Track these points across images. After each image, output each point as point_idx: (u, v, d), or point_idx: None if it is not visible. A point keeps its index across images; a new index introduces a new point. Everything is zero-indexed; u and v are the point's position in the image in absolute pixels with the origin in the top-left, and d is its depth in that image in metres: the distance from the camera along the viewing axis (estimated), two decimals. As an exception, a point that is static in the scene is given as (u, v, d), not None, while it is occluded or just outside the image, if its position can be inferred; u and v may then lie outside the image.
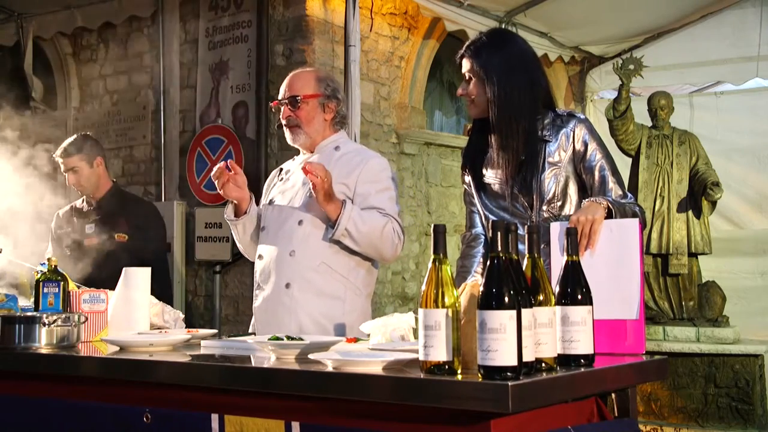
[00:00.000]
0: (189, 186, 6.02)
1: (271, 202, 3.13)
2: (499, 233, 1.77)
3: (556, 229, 2.31)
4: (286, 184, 3.13)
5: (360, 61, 5.06)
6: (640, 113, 6.06)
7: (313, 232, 2.97)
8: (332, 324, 2.91)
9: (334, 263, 2.96)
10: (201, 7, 6.11)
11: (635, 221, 2.30)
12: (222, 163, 3.02)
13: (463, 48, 2.79)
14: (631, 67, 5.96)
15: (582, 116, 2.75)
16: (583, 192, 2.70)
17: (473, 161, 2.84)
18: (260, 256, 3.09)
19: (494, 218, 2.74)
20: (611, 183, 2.64)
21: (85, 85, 6.79)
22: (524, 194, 2.70)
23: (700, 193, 5.72)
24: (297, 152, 3.23)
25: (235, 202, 3.11)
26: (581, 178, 2.70)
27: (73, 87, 6.85)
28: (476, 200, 2.84)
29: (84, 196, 4.27)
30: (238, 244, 3.26)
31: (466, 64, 2.74)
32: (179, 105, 6.20)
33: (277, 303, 2.97)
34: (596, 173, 2.66)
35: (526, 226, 1.98)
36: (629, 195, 2.66)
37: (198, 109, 6.09)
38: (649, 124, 6.04)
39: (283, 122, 3.10)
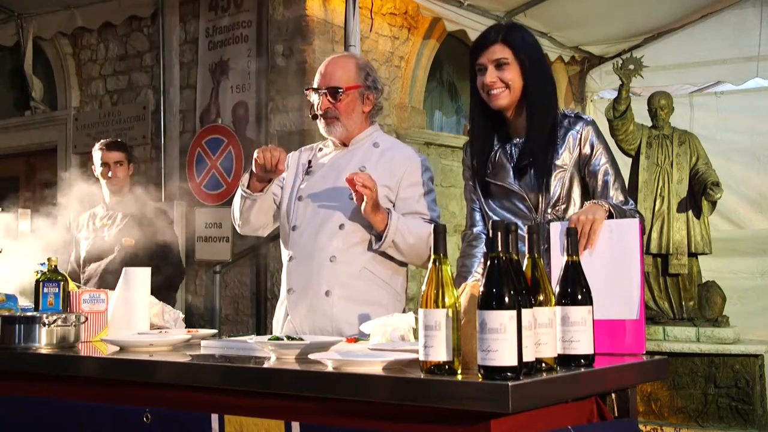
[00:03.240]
0: (189, 186, 6.02)
1: (300, 199, 2.98)
2: (499, 233, 1.77)
3: (556, 229, 2.30)
4: (316, 180, 2.97)
5: (360, 61, 5.05)
6: (640, 113, 6.05)
7: (354, 236, 2.86)
8: None
9: (375, 269, 2.88)
10: (201, 7, 6.12)
11: (635, 221, 2.29)
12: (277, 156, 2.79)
13: (492, 33, 2.68)
14: (631, 67, 5.96)
15: (589, 118, 2.73)
16: (586, 195, 2.68)
17: (478, 159, 2.78)
18: (292, 258, 2.94)
19: (496, 218, 2.73)
20: (613, 189, 2.62)
21: (85, 85, 6.80)
22: (530, 195, 2.69)
23: (700, 193, 5.72)
24: (294, 148, 3.14)
25: (254, 173, 2.87)
26: (585, 182, 2.69)
27: (73, 87, 6.85)
28: (479, 199, 2.81)
29: (102, 203, 4.40)
30: (235, 212, 3.02)
31: (499, 50, 2.64)
32: (179, 105, 6.20)
33: (317, 311, 2.85)
34: (599, 177, 2.64)
35: (526, 226, 1.97)
36: (631, 202, 2.64)
37: (198, 109, 6.09)
38: (649, 124, 6.03)
39: (319, 113, 2.94)
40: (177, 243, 4.61)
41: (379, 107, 3.02)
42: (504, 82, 2.63)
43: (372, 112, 3.00)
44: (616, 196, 2.61)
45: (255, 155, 2.82)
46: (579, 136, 2.66)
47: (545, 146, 2.65)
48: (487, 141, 2.76)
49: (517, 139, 2.72)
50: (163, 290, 4.21)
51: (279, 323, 2.99)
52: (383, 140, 3.02)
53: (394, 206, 2.90)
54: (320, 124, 2.98)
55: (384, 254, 2.87)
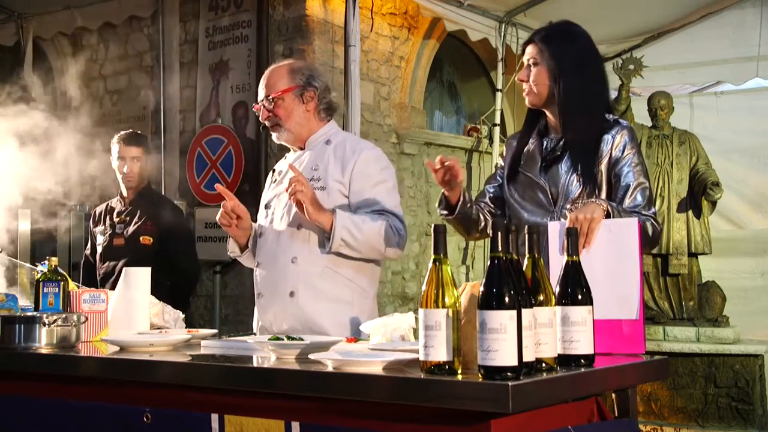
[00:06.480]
0: (189, 186, 6.02)
1: (267, 206, 3.04)
2: (499, 233, 1.77)
3: (555, 228, 2.30)
4: (280, 186, 3.01)
5: (360, 61, 5.05)
6: (640, 113, 6.06)
7: (313, 236, 2.87)
8: (342, 329, 2.81)
9: (338, 267, 2.88)
10: (201, 7, 6.12)
11: (634, 220, 2.29)
12: (227, 206, 2.93)
13: (534, 33, 2.79)
14: (631, 67, 5.97)
15: (626, 123, 2.75)
16: (611, 197, 2.67)
17: (514, 149, 2.83)
18: (259, 264, 3.01)
19: (518, 206, 2.76)
20: (631, 192, 2.61)
21: (85, 85, 6.79)
22: (552, 189, 2.70)
23: (700, 193, 5.72)
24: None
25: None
26: (611, 184, 2.68)
27: (74, 87, 6.85)
28: (505, 187, 2.83)
29: (119, 196, 4.38)
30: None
31: (531, 50, 2.73)
32: (179, 105, 6.20)
33: (284, 312, 2.89)
34: (622, 180, 2.64)
35: (526, 226, 1.98)
36: (653, 208, 2.63)
37: (198, 109, 6.09)
38: (649, 124, 6.04)
39: (267, 124, 3.00)
40: (194, 241, 4.61)
41: (326, 102, 3.01)
42: (528, 81, 2.72)
43: (320, 109, 3.00)
44: (635, 199, 2.60)
45: (219, 220, 2.97)
46: (612, 139, 2.67)
47: (584, 149, 2.68)
48: (525, 133, 2.83)
49: (553, 136, 2.77)
50: (180, 289, 4.23)
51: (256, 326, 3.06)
52: (336, 136, 3.01)
53: (348, 200, 2.90)
54: (272, 133, 3.04)
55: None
